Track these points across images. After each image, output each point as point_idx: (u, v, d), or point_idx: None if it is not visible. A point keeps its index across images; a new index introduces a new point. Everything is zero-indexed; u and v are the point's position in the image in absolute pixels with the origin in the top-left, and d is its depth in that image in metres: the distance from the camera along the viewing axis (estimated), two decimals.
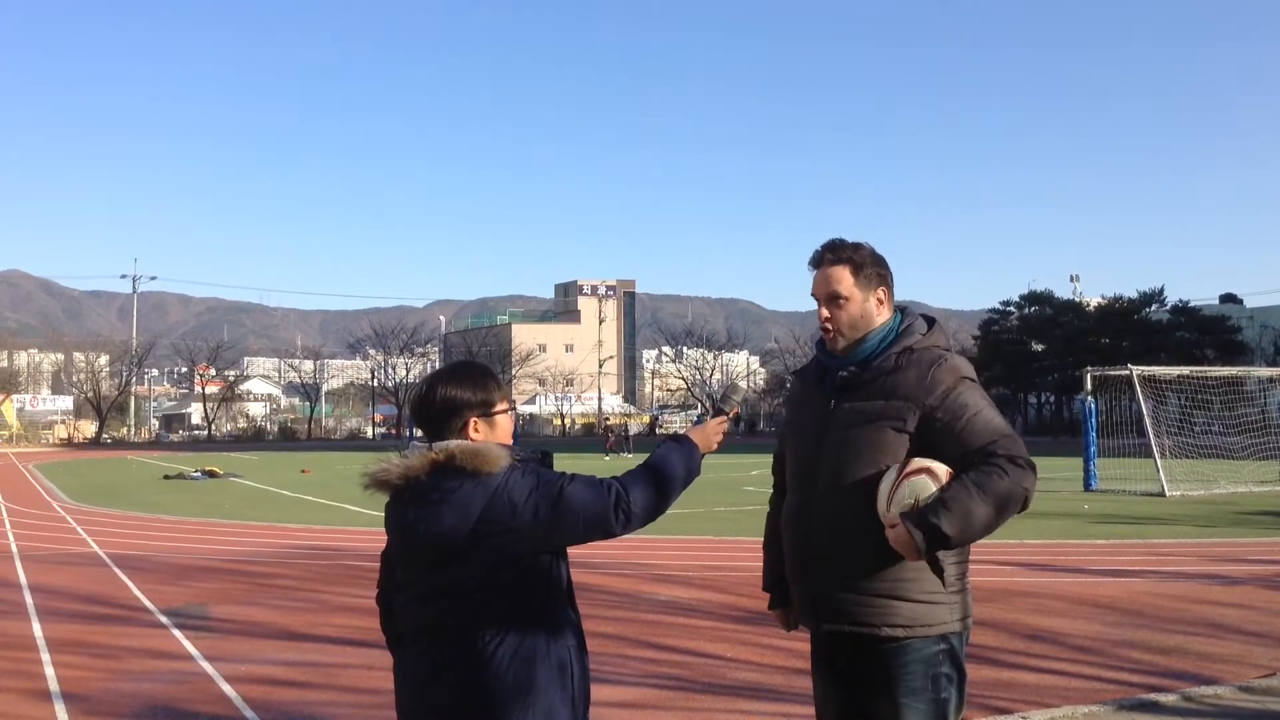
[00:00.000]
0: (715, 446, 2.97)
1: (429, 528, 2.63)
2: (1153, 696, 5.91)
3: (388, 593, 2.91)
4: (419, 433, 2.94)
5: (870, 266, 3.04)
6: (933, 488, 2.77)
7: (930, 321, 3.08)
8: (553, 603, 2.74)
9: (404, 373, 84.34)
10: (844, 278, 3.02)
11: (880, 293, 3.05)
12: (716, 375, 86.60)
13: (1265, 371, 32.72)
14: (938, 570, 2.87)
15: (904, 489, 2.79)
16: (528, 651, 2.66)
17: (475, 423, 2.75)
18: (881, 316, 3.05)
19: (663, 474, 2.77)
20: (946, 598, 2.89)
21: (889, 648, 2.87)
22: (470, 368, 2.88)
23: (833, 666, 3.04)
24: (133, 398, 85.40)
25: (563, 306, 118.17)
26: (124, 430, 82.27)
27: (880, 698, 2.88)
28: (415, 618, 2.72)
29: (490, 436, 2.77)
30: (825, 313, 3.04)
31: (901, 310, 3.11)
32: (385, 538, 2.85)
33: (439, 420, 2.75)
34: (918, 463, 2.83)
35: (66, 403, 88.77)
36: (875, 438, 2.91)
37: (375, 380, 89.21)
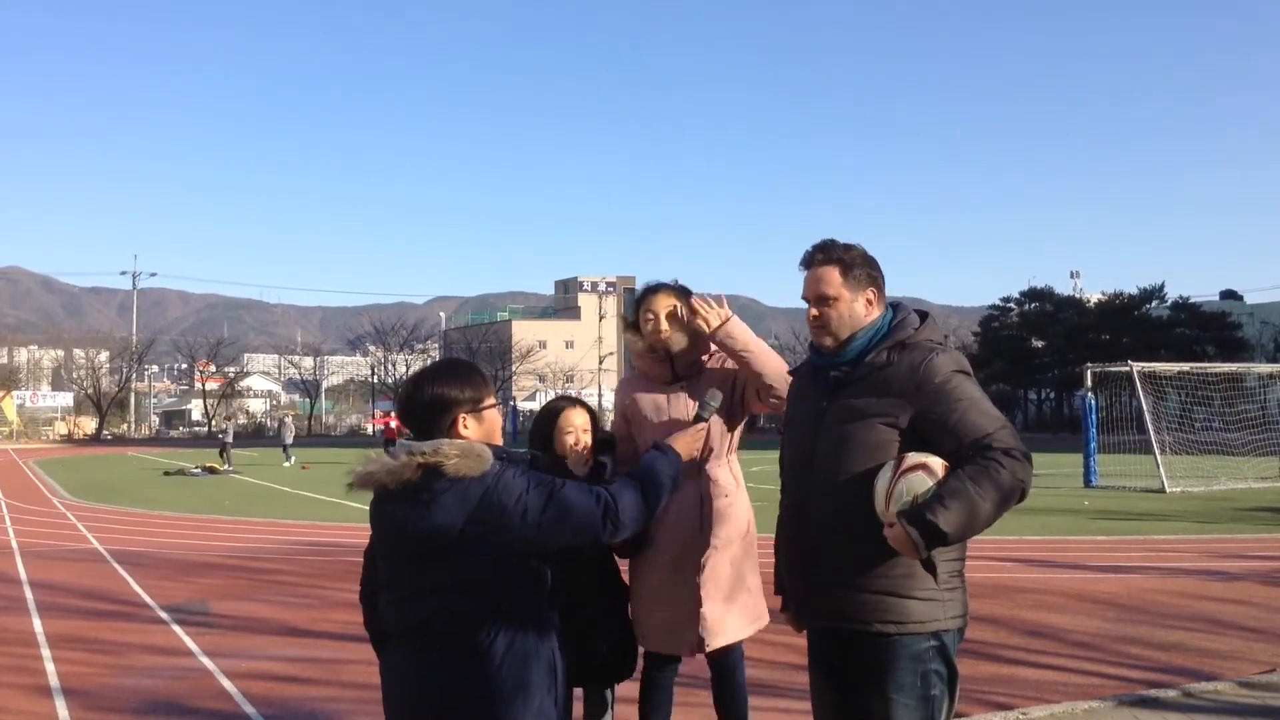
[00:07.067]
0: (696, 454, 3.17)
1: (417, 526, 2.61)
2: (1153, 692, 5.91)
3: (372, 591, 2.90)
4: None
5: (860, 267, 3.03)
6: (929, 484, 2.75)
7: (923, 316, 3.07)
8: (540, 603, 2.75)
9: (404, 369, 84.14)
10: (832, 278, 3.02)
11: (870, 293, 3.04)
12: None
13: (1265, 368, 32.67)
14: (930, 568, 2.86)
15: (900, 486, 2.77)
16: (520, 651, 2.66)
17: (465, 419, 2.74)
18: (871, 316, 3.04)
19: (650, 483, 2.81)
20: (939, 595, 2.88)
21: (880, 643, 2.87)
22: (458, 365, 2.87)
23: (827, 663, 3.04)
24: (133, 394, 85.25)
25: (563, 303, 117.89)
26: (124, 427, 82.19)
27: (870, 693, 2.88)
28: (403, 617, 2.71)
29: (480, 433, 2.76)
30: (814, 312, 3.05)
31: (894, 306, 3.10)
32: None
33: (428, 418, 2.73)
34: (913, 458, 2.81)
35: (66, 399, 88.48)
36: (867, 435, 2.90)
37: (375, 377, 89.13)
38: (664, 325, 3.71)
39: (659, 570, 3.66)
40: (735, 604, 3.68)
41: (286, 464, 34.37)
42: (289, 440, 37.49)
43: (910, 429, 2.88)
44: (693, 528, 3.65)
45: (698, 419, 3.32)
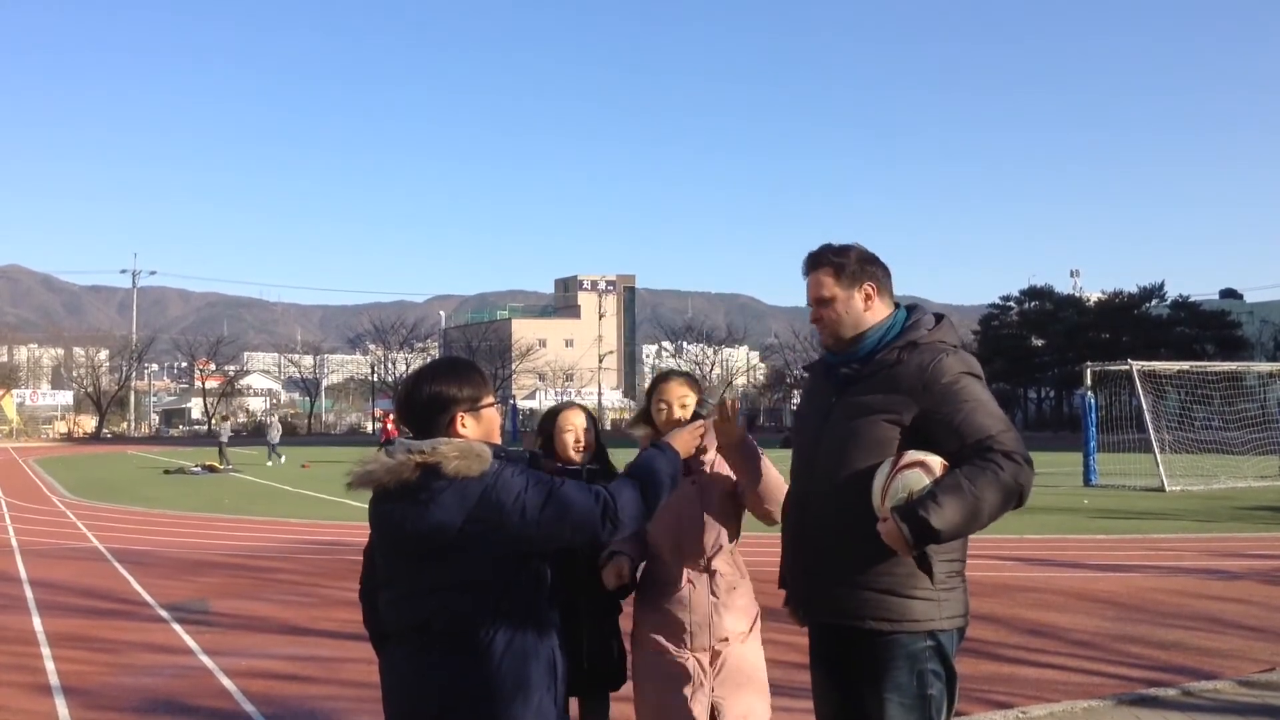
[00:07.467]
0: (694, 451, 3.15)
1: (416, 526, 2.61)
2: (1152, 691, 5.92)
3: (371, 590, 2.90)
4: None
5: (854, 265, 3.07)
6: (926, 481, 2.76)
7: (939, 318, 3.09)
8: (540, 602, 2.75)
9: (404, 368, 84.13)
10: (826, 281, 3.08)
11: (867, 289, 3.06)
12: (716, 370, 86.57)
13: (1265, 367, 32.63)
14: (925, 567, 2.86)
15: (897, 482, 2.78)
16: (520, 649, 2.66)
17: (463, 418, 2.74)
18: (873, 312, 3.06)
19: (649, 481, 2.81)
20: (936, 594, 2.88)
21: (877, 642, 2.87)
22: (456, 363, 2.86)
23: (827, 659, 3.05)
24: (133, 393, 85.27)
25: (563, 302, 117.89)
26: (124, 425, 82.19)
27: (867, 691, 2.88)
28: (402, 617, 2.71)
29: (478, 431, 2.76)
30: (814, 314, 3.11)
31: (910, 308, 3.13)
32: None
33: (426, 417, 2.73)
34: (911, 456, 2.82)
35: (66, 398, 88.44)
36: (869, 432, 2.91)
37: (375, 375, 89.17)
38: (678, 415, 3.58)
39: (668, 665, 3.57)
40: (745, 698, 3.62)
41: (278, 462, 34.37)
42: (275, 440, 37.38)
43: (913, 428, 2.88)
44: (701, 621, 3.56)
45: (696, 416, 3.32)
